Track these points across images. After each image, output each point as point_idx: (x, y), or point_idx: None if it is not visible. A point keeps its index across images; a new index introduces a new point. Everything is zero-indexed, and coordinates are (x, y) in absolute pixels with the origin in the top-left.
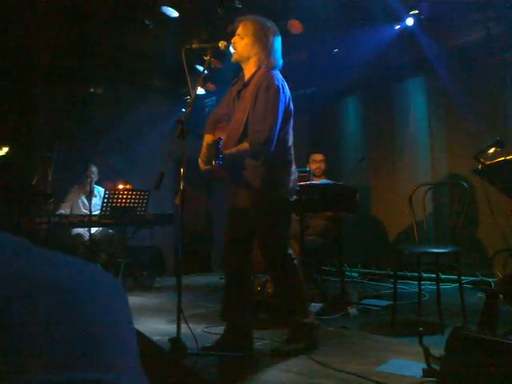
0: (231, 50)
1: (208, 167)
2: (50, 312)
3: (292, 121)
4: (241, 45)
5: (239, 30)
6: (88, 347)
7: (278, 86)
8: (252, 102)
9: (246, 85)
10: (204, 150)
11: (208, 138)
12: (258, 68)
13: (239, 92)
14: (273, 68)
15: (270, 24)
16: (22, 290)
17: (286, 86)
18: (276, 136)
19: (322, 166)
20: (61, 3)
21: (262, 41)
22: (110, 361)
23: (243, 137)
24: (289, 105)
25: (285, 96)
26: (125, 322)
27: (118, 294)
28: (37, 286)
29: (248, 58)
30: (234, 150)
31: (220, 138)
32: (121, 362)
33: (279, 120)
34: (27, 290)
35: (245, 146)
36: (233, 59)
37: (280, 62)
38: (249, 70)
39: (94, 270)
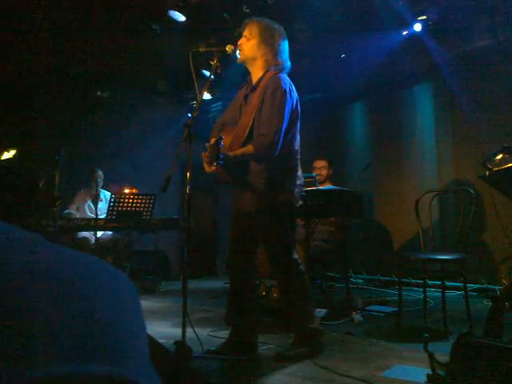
0: (237, 53)
1: (212, 169)
2: (56, 304)
3: (299, 124)
4: (247, 46)
5: (245, 32)
6: (94, 340)
7: (284, 89)
8: (258, 106)
9: (253, 89)
10: (206, 151)
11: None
12: (266, 71)
13: (246, 96)
14: (281, 70)
15: (276, 26)
16: (24, 281)
17: (294, 89)
18: (281, 140)
19: (324, 172)
20: (66, 6)
21: (268, 41)
22: (118, 354)
23: (248, 140)
24: (296, 108)
25: (292, 99)
26: (134, 318)
27: (128, 289)
28: (41, 277)
29: (254, 60)
30: (238, 152)
31: (221, 138)
32: (130, 357)
33: (285, 124)
34: (30, 281)
35: (249, 148)
36: (239, 60)
37: (288, 63)
38: (256, 73)
39: (104, 265)
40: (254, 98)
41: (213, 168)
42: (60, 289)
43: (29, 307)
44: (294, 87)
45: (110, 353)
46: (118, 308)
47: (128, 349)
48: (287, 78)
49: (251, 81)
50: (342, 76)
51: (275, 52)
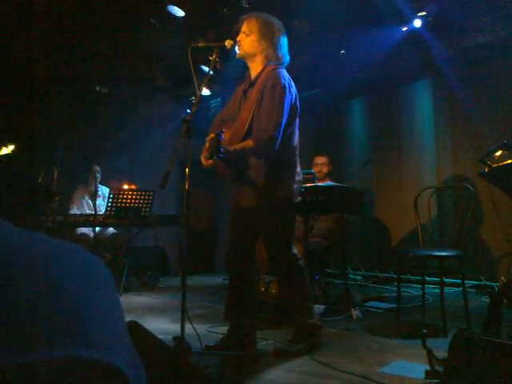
0: (236, 49)
1: (209, 162)
2: (33, 291)
3: (298, 120)
4: (246, 42)
5: (244, 28)
6: (76, 326)
7: (284, 85)
8: (258, 101)
9: (252, 84)
10: (206, 145)
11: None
12: (265, 66)
13: (245, 91)
14: (279, 65)
15: (274, 20)
16: (3, 270)
17: (293, 85)
18: (281, 135)
19: (324, 168)
20: (65, 2)
21: (268, 36)
22: (100, 339)
23: (248, 135)
24: (295, 103)
25: (291, 94)
26: (112, 302)
27: (104, 275)
28: (19, 265)
29: (254, 55)
30: (238, 146)
31: (222, 131)
32: (112, 342)
33: (284, 119)
34: (8, 270)
35: (249, 143)
36: (238, 56)
37: (287, 57)
38: (255, 68)
39: (77, 249)
40: (253, 93)
41: (210, 162)
42: (28, 269)
43: (6, 294)
44: (292, 82)
45: (76, 332)
46: (87, 290)
47: (97, 329)
48: (286, 73)
49: (250, 76)
50: (342, 72)
51: (275, 46)
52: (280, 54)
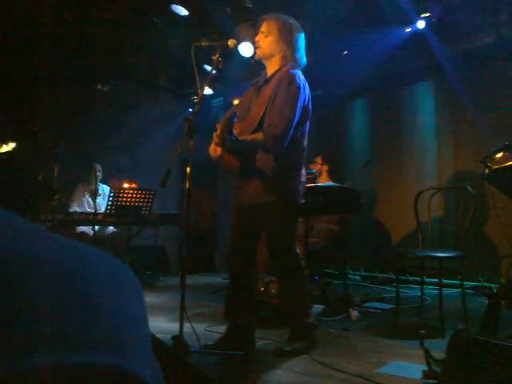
0: (254, 50)
1: (218, 153)
2: (59, 294)
3: (308, 123)
4: (265, 43)
5: (263, 28)
6: (100, 331)
7: (299, 84)
8: (272, 97)
9: (266, 81)
10: (217, 131)
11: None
12: (282, 66)
13: (259, 88)
14: (296, 66)
15: (292, 21)
16: (28, 271)
17: (307, 87)
18: (291, 132)
19: (317, 167)
20: (67, 1)
21: (287, 38)
22: (123, 346)
23: (259, 129)
24: (308, 105)
25: (305, 95)
26: (138, 308)
27: (131, 281)
28: (44, 268)
29: (272, 56)
30: (249, 137)
31: (235, 113)
32: (135, 348)
33: (296, 117)
34: (34, 271)
35: (259, 136)
36: (256, 57)
37: (304, 59)
38: (272, 68)
39: (105, 256)
40: (268, 90)
41: (218, 153)
42: (63, 279)
43: (33, 297)
44: (307, 84)
45: (113, 343)
46: (120, 298)
47: (131, 339)
48: (301, 74)
49: (266, 74)
50: (344, 72)
51: (293, 48)
52: (298, 56)
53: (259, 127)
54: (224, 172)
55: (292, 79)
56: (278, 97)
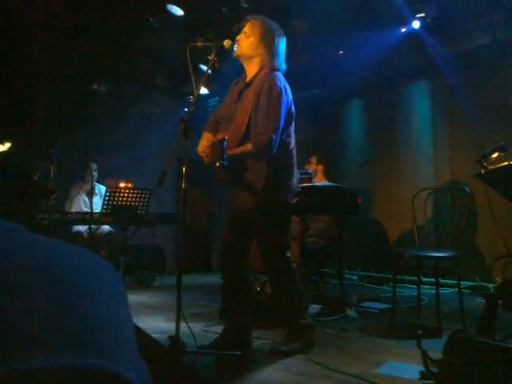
0: (234, 47)
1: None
2: (49, 298)
3: (294, 124)
4: (246, 43)
5: (246, 28)
6: (86, 333)
7: (280, 88)
8: (254, 103)
9: (247, 85)
10: (204, 143)
11: (207, 137)
12: (261, 69)
13: (241, 92)
14: (275, 70)
15: (276, 27)
16: (19, 276)
17: (288, 89)
18: (279, 138)
19: (312, 167)
20: (64, 0)
21: (267, 42)
22: (109, 348)
23: (245, 138)
24: (291, 107)
25: (287, 98)
26: (122, 309)
27: (116, 282)
28: (35, 272)
29: (250, 57)
30: (237, 150)
31: (224, 139)
32: (120, 350)
33: (282, 122)
34: (25, 276)
35: (248, 147)
36: (234, 54)
37: (283, 65)
38: (251, 69)
39: (92, 257)
40: (249, 95)
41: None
42: (51, 281)
43: (24, 301)
44: (288, 86)
45: (95, 343)
46: (101, 298)
47: (114, 339)
48: (282, 77)
49: (245, 77)
50: (340, 73)
51: (272, 54)
52: (276, 62)
53: (246, 135)
54: (219, 182)
55: (273, 83)
56: (261, 103)
